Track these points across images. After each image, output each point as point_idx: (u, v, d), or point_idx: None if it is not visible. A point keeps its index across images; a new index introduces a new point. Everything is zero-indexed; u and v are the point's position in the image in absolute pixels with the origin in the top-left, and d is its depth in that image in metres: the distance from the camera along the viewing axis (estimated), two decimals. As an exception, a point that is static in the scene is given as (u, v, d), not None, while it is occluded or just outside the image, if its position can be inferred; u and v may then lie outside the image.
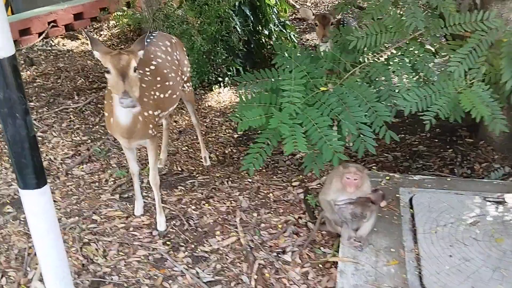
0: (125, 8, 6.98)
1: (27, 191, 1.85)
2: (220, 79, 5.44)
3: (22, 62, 5.97)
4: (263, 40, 6.10)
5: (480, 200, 3.09)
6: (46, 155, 4.14)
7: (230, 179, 3.78)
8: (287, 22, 6.41)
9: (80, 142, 4.35)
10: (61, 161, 4.07)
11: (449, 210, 3.00)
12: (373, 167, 3.83)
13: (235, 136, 4.48)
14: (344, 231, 2.77)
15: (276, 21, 6.10)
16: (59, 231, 1.99)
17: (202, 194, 3.58)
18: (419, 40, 3.45)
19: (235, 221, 3.25)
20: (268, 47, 6.18)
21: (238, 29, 5.34)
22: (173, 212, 3.38)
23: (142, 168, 3.91)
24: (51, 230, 1.94)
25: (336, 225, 2.83)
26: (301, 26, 7.46)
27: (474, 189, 3.22)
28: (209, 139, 4.44)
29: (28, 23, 6.61)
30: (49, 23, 6.83)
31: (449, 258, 2.63)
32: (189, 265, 2.90)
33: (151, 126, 3.03)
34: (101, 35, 7.03)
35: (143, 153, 4.11)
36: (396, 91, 3.10)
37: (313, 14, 4.12)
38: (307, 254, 2.92)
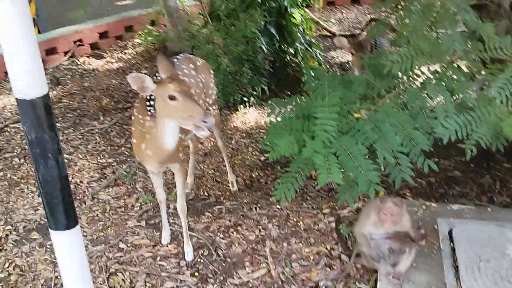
0: (149, 27, 6.98)
1: (58, 232, 1.78)
2: (245, 99, 5.36)
3: (49, 82, 6.00)
4: (288, 59, 6.02)
5: (524, 232, 2.93)
6: (72, 178, 4.11)
7: (258, 205, 3.68)
8: (313, 40, 6.32)
9: (105, 164, 4.31)
10: (87, 185, 4.03)
11: (491, 243, 2.85)
12: (407, 194, 3.69)
13: (262, 158, 4.39)
14: (382, 267, 2.64)
15: (302, 40, 6.01)
16: (89, 273, 1.92)
17: (230, 221, 3.49)
18: (456, 64, 3.33)
19: (265, 251, 3.15)
20: (293, 65, 6.10)
21: (264, 49, 5.27)
22: (201, 241, 3.29)
23: (169, 193, 3.84)
24: (81, 272, 1.87)
25: (372, 260, 2.70)
26: (326, 43, 7.36)
27: (516, 220, 3.06)
28: (235, 161, 4.35)
29: (54, 43, 6.66)
30: (74, 42, 6.88)
31: (495, 297, 2.48)
32: (219, 299, 2.81)
33: (180, 149, 2.98)
34: (126, 53, 7.04)
35: (168, 177, 4.05)
36: (434, 117, 2.98)
37: (349, 42, 3.97)
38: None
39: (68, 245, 1.81)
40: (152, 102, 2.85)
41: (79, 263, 1.86)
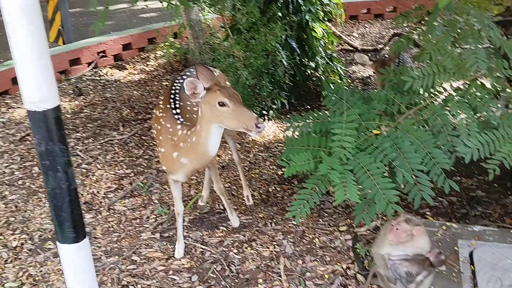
0: (172, 39, 7.04)
1: (65, 245, 1.76)
2: (264, 112, 5.33)
3: (71, 92, 6.08)
4: (309, 73, 5.98)
5: (549, 257, 2.81)
6: (90, 188, 4.12)
7: (274, 220, 3.62)
8: (334, 54, 6.28)
9: (123, 175, 4.31)
10: (104, 195, 4.03)
11: (514, 268, 2.73)
12: (427, 213, 3.58)
13: (279, 173, 4.34)
14: (398, 289, 2.55)
15: (323, 54, 5.97)
16: (96, 286, 1.89)
17: (244, 236, 3.44)
18: (480, 81, 3.25)
19: (279, 269, 3.09)
20: (314, 79, 6.06)
21: (284, 62, 5.25)
22: (214, 256, 3.25)
23: (184, 206, 3.82)
24: (88, 286, 1.83)
25: (389, 281, 2.61)
26: (348, 58, 7.30)
27: (541, 244, 2.94)
28: (252, 175, 4.31)
29: (78, 53, 6.77)
30: (98, 53, 6.98)
31: (518, 326, 2.37)
32: (230, 316, 2.75)
33: None
34: (148, 65, 7.11)
35: (184, 189, 4.03)
36: (456, 135, 2.90)
37: (370, 60, 3.88)
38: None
39: (75, 259, 1.79)
40: (178, 111, 2.97)
41: (86, 278, 1.84)
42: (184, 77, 3.25)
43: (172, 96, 3.09)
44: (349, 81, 6.38)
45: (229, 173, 4.35)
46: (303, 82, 5.88)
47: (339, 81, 5.97)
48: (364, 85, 6.28)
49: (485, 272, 2.71)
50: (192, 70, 3.35)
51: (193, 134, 2.78)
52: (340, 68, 6.18)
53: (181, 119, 2.94)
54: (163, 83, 6.44)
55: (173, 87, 3.17)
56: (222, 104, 2.58)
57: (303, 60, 5.77)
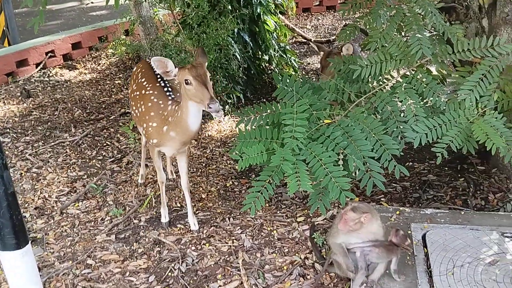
0: (123, 37, 6.89)
1: (7, 252, 1.68)
2: (220, 107, 5.29)
3: (19, 94, 5.86)
4: (263, 66, 5.98)
5: (498, 236, 2.90)
6: (41, 192, 3.99)
7: (232, 215, 3.60)
8: (287, 47, 6.30)
9: (76, 177, 4.19)
10: (56, 199, 3.91)
11: (465, 248, 2.81)
12: (382, 199, 3.64)
13: (237, 167, 4.31)
14: (359, 277, 2.57)
15: (276, 47, 5.98)
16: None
17: (202, 233, 3.40)
18: (425, 67, 3.32)
19: (238, 263, 3.07)
20: (269, 72, 6.06)
21: (238, 56, 5.22)
22: (172, 254, 3.20)
23: (140, 205, 3.75)
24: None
25: (348, 269, 2.62)
26: (302, 50, 7.34)
27: (490, 223, 3.03)
28: (209, 171, 4.27)
29: (25, 54, 6.52)
30: (46, 53, 6.74)
31: (469, 303, 2.43)
32: (189, 314, 2.71)
33: None
34: (99, 64, 6.93)
35: (141, 189, 3.96)
36: (404, 121, 2.95)
37: (321, 49, 3.90)
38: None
39: (19, 267, 1.71)
40: (170, 88, 3.21)
41: (32, 286, 1.76)
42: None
43: (157, 76, 3.30)
44: (304, 73, 6.42)
45: (185, 170, 4.29)
46: (257, 75, 5.87)
47: (293, 73, 6.00)
48: (318, 76, 6.33)
49: (437, 253, 2.78)
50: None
51: (179, 109, 2.99)
52: (294, 60, 6.22)
53: (172, 96, 3.17)
54: (116, 82, 6.29)
55: (154, 69, 3.29)
56: (187, 82, 2.78)
57: (257, 54, 5.76)
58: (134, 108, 3.41)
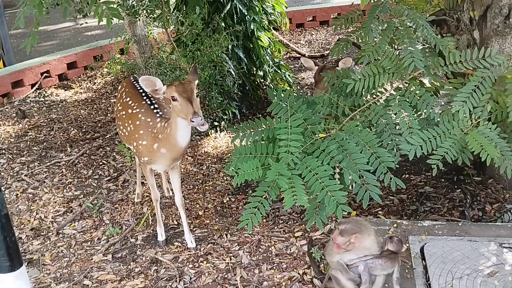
0: (118, 56, 6.91)
1: (0, 275, 1.67)
2: (216, 123, 5.30)
3: (14, 115, 5.86)
4: (258, 82, 6.00)
5: (496, 246, 2.89)
6: (37, 213, 3.97)
7: (229, 231, 3.58)
8: (282, 62, 6.33)
9: (72, 197, 4.17)
10: (52, 219, 3.89)
11: (464, 260, 2.80)
12: (379, 212, 3.64)
13: (233, 183, 4.30)
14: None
15: (271, 62, 6.01)
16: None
17: (199, 250, 3.38)
18: (419, 79, 3.34)
19: (236, 280, 3.04)
20: (264, 87, 6.09)
21: (232, 72, 5.24)
22: (170, 272, 3.17)
23: (136, 224, 3.73)
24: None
25: (352, 284, 2.60)
26: (296, 65, 7.39)
27: (488, 234, 3.02)
28: (206, 188, 4.26)
29: (21, 75, 6.54)
30: (42, 73, 6.77)
31: (469, 316, 2.42)
32: (187, 334, 2.68)
33: None
34: (95, 83, 6.95)
35: (137, 207, 3.94)
36: (399, 134, 2.96)
37: (316, 64, 3.92)
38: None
39: (12, 289, 1.69)
40: (156, 106, 3.27)
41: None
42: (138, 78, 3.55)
43: (143, 93, 3.39)
44: (298, 87, 6.44)
45: (182, 186, 4.27)
46: (253, 91, 5.89)
47: (288, 88, 6.03)
48: (312, 90, 6.35)
49: (436, 265, 2.76)
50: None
51: (168, 126, 3.04)
52: (289, 75, 6.24)
53: (160, 113, 3.22)
54: (112, 100, 6.30)
55: (138, 87, 3.49)
56: (174, 99, 2.84)
57: (251, 69, 5.79)
58: (121, 127, 3.44)
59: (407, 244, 2.96)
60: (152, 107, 3.27)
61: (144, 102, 3.33)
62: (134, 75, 3.80)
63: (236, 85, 5.35)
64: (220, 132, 5.29)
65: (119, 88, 3.74)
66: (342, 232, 2.53)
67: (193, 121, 2.77)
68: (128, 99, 3.44)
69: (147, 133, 3.17)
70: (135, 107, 3.34)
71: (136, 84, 3.54)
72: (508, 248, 2.87)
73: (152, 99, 3.33)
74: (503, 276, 2.65)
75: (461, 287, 2.60)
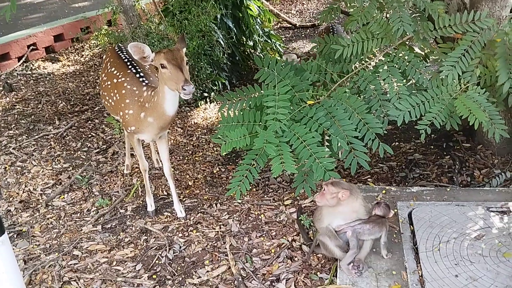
0: (106, 27, 6.78)
1: (-18, 242, 1.65)
2: (205, 94, 5.25)
3: (1, 88, 5.77)
4: (248, 52, 5.93)
5: (483, 210, 2.91)
6: (26, 186, 3.94)
7: (219, 201, 3.58)
8: (272, 32, 6.25)
9: (61, 170, 4.14)
10: (41, 192, 3.86)
11: (451, 224, 2.81)
12: (368, 180, 3.64)
13: (224, 154, 4.28)
14: (350, 256, 2.55)
15: (260, 32, 5.93)
16: (22, 283, 1.79)
17: (189, 219, 3.38)
18: (408, 44, 3.29)
19: (225, 248, 3.05)
20: (254, 57, 6.01)
21: (222, 42, 5.17)
22: (159, 242, 3.17)
23: (126, 195, 3.72)
24: (13, 283, 1.73)
25: (340, 250, 2.61)
26: (287, 35, 7.30)
27: (476, 198, 3.04)
28: (196, 158, 4.24)
29: (7, 48, 6.43)
30: (28, 46, 6.65)
31: (455, 278, 2.44)
32: (177, 301, 2.70)
33: None
34: (83, 55, 6.85)
35: (126, 178, 3.93)
36: (387, 100, 2.94)
37: (298, 56, 3.88)
38: (303, 281, 2.72)
39: (-5, 256, 1.68)
40: (142, 74, 3.22)
41: (10, 276, 1.73)
42: (122, 47, 3.58)
43: (128, 63, 3.34)
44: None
45: (172, 158, 4.26)
46: (243, 61, 5.83)
47: (279, 58, 5.96)
48: (305, 61, 6.28)
49: (423, 230, 2.78)
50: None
51: (155, 95, 2.99)
52: (279, 45, 6.18)
53: (146, 81, 3.17)
54: (100, 72, 6.21)
55: (122, 56, 3.44)
56: (163, 66, 2.77)
57: (241, 39, 5.71)
58: (107, 98, 3.38)
59: (395, 210, 2.97)
60: (137, 75, 3.21)
61: (129, 71, 3.26)
62: (119, 44, 3.70)
63: (225, 55, 5.28)
64: (210, 103, 5.24)
65: (104, 58, 3.67)
66: (334, 182, 2.53)
67: (185, 89, 2.69)
68: (113, 69, 3.38)
69: (133, 102, 3.12)
70: (120, 76, 3.27)
71: (120, 54, 3.48)
72: (495, 212, 2.88)
73: (137, 67, 3.28)
74: (490, 239, 2.67)
75: (448, 251, 2.62)
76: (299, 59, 3.87)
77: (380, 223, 2.57)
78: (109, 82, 3.36)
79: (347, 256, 2.58)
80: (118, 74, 3.31)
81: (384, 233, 2.58)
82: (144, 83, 3.14)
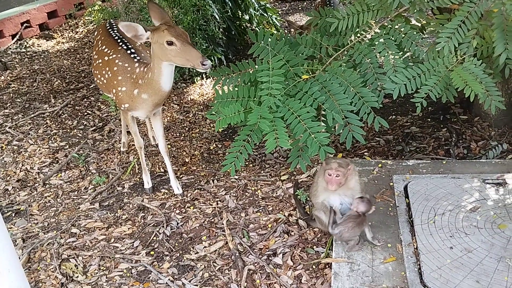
0: (99, 2, 6.68)
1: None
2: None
3: (-4, 66, 5.73)
4: (244, 26, 5.85)
5: (479, 183, 2.91)
6: (23, 165, 3.94)
7: (216, 177, 3.59)
8: (268, 5, 6.16)
9: (57, 148, 4.14)
10: (38, 170, 3.86)
11: (447, 196, 2.82)
12: (365, 154, 3.63)
13: (220, 130, 4.27)
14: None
15: (256, 5, 5.84)
16: (17, 261, 1.80)
17: (186, 196, 3.39)
18: (404, 16, 3.24)
19: (222, 224, 3.07)
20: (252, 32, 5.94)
21: (217, 16, 5.09)
22: (157, 218, 3.19)
23: (123, 173, 3.72)
24: (5, 253, 1.74)
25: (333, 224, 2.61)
26: (284, 8, 7.20)
27: (472, 171, 3.03)
28: (193, 135, 4.23)
29: (0, 26, 6.34)
30: (22, 24, 6.57)
31: (450, 250, 2.45)
32: (175, 276, 2.72)
33: None
34: (77, 32, 6.77)
35: (123, 156, 3.93)
36: (383, 73, 2.91)
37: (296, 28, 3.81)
38: (299, 255, 2.74)
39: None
40: (133, 50, 3.19)
41: (4, 253, 1.74)
42: (113, 24, 3.52)
43: (118, 40, 3.31)
44: (286, 31, 6.29)
45: (169, 135, 4.25)
46: (239, 36, 5.76)
47: (276, 32, 5.89)
48: (299, 35, 6.21)
49: (419, 203, 2.78)
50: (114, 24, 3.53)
51: (148, 71, 2.96)
52: (276, 18, 6.09)
53: (138, 57, 3.14)
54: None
55: (113, 34, 3.39)
56: (170, 43, 2.74)
57: (236, 13, 5.63)
58: (99, 76, 3.35)
59: (391, 183, 2.98)
60: (128, 51, 3.18)
61: (120, 48, 3.23)
62: (110, 20, 3.64)
63: (220, 29, 5.21)
64: (206, 79, 5.21)
65: (95, 35, 3.63)
66: (340, 164, 2.50)
67: (205, 64, 2.71)
68: (103, 46, 3.34)
69: (125, 78, 3.09)
70: (111, 54, 3.23)
71: (111, 31, 3.43)
72: (491, 184, 2.88)
73: (128, 44, 3.24)
74: (485, 211, 2.68)
75: (443, 223, 2.62)
76: (293, 30, 3.83)
77: (359, 222, 2.50)
78: (100, 60, 3.32)
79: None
80: (108, 51, 3.27)
81: (367, 229, 2.52)
82: (136, 60, 3.11)
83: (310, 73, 2.94)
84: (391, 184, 2.98)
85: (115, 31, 3.42)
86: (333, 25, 3.03)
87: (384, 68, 2.90)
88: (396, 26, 3.01)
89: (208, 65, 2.73)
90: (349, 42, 3.12)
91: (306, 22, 3.40)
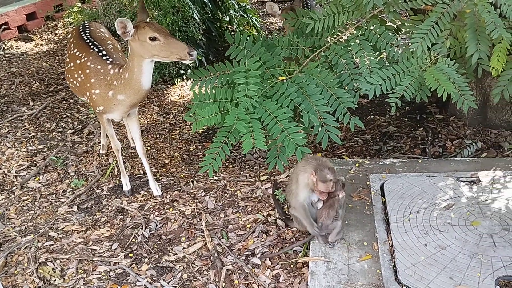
0: (78, 4, 6.64)
1: None
2: (182, 71, 5.21)
3: (-28, 69, 5.65)
4: (224, 27, 5.86)
5: (453, 181, 2.96)
6: (0, 168, 3.89)
7: (196, 178, 3.59)
8: (248, 6, 6.17)
9: (35, 151, 4.10)
10: (16, 174, 3.82)
11: (421, 194, 2.87)
12: (343, 153, 3.67)
13: (200, 131, 4.27)
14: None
15: (236, 7, 5.85)
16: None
17: (166, 197, 3.39)
18: (380, 17, 3.29)
19: (201, 225, 3.07)
20: (231, 33, 5.95)
21: (196, 17, 5.09)
22: (135, 221, 3.18)
23: (102, 175, 3.70)
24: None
25: (312, 225, 2.64)
26: (264, 9, 7.21)
27: (446, 169, 3.09)
28: (173, 136, 4.23)
29: (-23, 28, 6.27)
30: (0, 26, 6.48)
31: (424, 247, 2.50)
32: (153, 278, 2.72)
33: None
34: (56, 34, 6.71)
35: (102, 159, 3.91)
36: (358, 74, 2.95)
37: (280, 9, 3.85)
38: (277, 255, 2.76)
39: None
40: (105, 52, 3.17)
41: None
42: (86, 27, 3.51)
43: (89, 42, 3.28)
44: (267, 33, 6.32)
45: (148, 136, 4.24)
46: (219, 37, 5.76)
47: (256, 33, 5.91)
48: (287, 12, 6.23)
49: (394, 201, 2.83)
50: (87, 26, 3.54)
51: (125, 71, 2.94)
52: (256, 20, 6.11)
53: (110, 59, 3.12)
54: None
55: (84, 37, 3.37)
56: (153, 39, 2.76)
57: (216, 15, 5.63)
58: (72, 79, 3.34)
59: (368, 182, 3.01)
60: (100, 54, 3.16)
61: (91, 51, 3.20)
62: (84, 23, 3.63)
63: (200, 31, 5.22)
64: (187, 80, 5.20)
65: (69, 38, 3.62)
66: (329, 172, 2.51)
67: (192, 55, 2.74)
68: (75, 50, 3.33)
69: (99, 81, 3.07)
70: (82, 57, 3.21)
71: (82, 34, 3.41)
72: (465, 182, 2.94)
73: (100, 46, 3.23)
74: (459, 209, 2.73)
75: (418, 221, 2.67)
76: (280, 11, 3.86)
77: (331, 204, 2.56)
78: (72, 64, 3.30)
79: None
80: (80, 54, 3.25)
81: (336, 231, 2.56)
82: (108, 61, 3.10)
83: (287, 74, 2.97)
84: (368, 183, 3.02)
85: (87, 34, 3.40)
86: (309, 26, 3.06)
87: (360, 69, 2.94)
88: (372, 27, 3.06)
89: (195, 56, 2.77)
90: (325, 43, 3.15)
91: (284, 23, 3.42)
